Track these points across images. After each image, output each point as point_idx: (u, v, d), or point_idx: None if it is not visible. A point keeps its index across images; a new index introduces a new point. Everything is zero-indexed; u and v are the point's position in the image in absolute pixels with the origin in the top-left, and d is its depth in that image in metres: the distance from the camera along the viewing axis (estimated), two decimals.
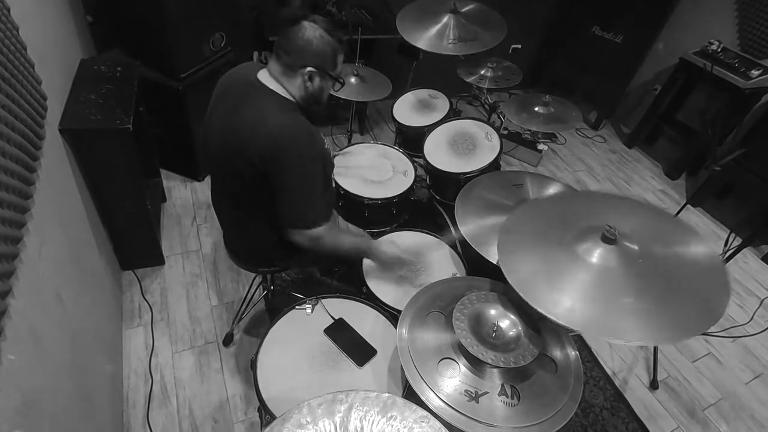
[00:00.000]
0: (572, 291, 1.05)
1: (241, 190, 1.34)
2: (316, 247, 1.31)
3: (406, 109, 2.40)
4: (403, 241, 1.68)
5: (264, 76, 1.26)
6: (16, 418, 0.89)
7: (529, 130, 3.22)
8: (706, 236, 2.96)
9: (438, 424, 0.80)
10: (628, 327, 0.99)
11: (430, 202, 2.38)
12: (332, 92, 1.39)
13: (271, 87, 1.24)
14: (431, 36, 2.23)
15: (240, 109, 1.24)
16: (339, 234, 1.40)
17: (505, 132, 3.28)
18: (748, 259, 2.80)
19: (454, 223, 1.54)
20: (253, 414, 1.72)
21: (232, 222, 1.52)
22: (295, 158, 1.20)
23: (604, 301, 1.03)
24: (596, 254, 1.11)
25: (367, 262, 1.57)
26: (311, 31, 1.19)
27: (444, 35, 2.24)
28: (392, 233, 1.75)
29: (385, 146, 2.16)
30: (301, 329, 1.33)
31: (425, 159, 2.08)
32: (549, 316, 0.99)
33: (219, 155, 1.32)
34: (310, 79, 1.24)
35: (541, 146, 3.24)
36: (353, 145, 2.14)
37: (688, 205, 2.41)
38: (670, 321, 1.01)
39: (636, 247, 1.13)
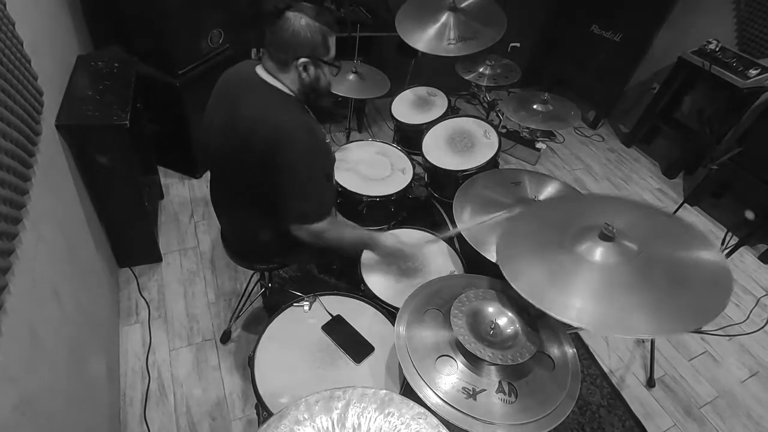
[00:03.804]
0: (580, 292, 1.05)
1: (243, 188, 1.34)
2: (319, 242, 1.32)
3: (405, 107, 2.39)
4: (404, 238, 1.67)
5: (262, 72, 1.26)
6: (12, 415, 0.89)
7: (528, 128, 3.23)
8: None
9: (435, 420, 0.80)
10: (636, 322, 0.98)
11: (428, 200, 2.38)
12: (331, 84, 1.35)
13: (269, 82, 1.24)
14: (430, 37, 2.22)
15: (241, 106, 1.24)
16: (341, 227, 1.40)
17: (504, 130, 3.28)
18: (745, 257, 2.81)
19: (452, 221, 1.54)
20: (251, 411, 1.72)
21: (232, 219, 1.52)
22: (295, 155, 1.20)
23: (609, 298, 1.03)
24: (597, 253, 1.11)
25: (367, 255, 1.57)
26: (296, 21, 1.16)
27: (443, 35, 2.22)
28: (390, 231, 1.75)
29: (384, 144, 2.16)
30: (299, 326, 1.33)
31: (423, 156, 2.08)
32: (563, 319, 0.99)
33: (221, 153, 1.33)
34: (305, 69, 1.22)
35: (539, 144, 3.24)
36: (352, 142, 2.14)
37: (686, 204, 2.41)
38: (673, 313, 1.00)
39: (634, 245, 1.13)
